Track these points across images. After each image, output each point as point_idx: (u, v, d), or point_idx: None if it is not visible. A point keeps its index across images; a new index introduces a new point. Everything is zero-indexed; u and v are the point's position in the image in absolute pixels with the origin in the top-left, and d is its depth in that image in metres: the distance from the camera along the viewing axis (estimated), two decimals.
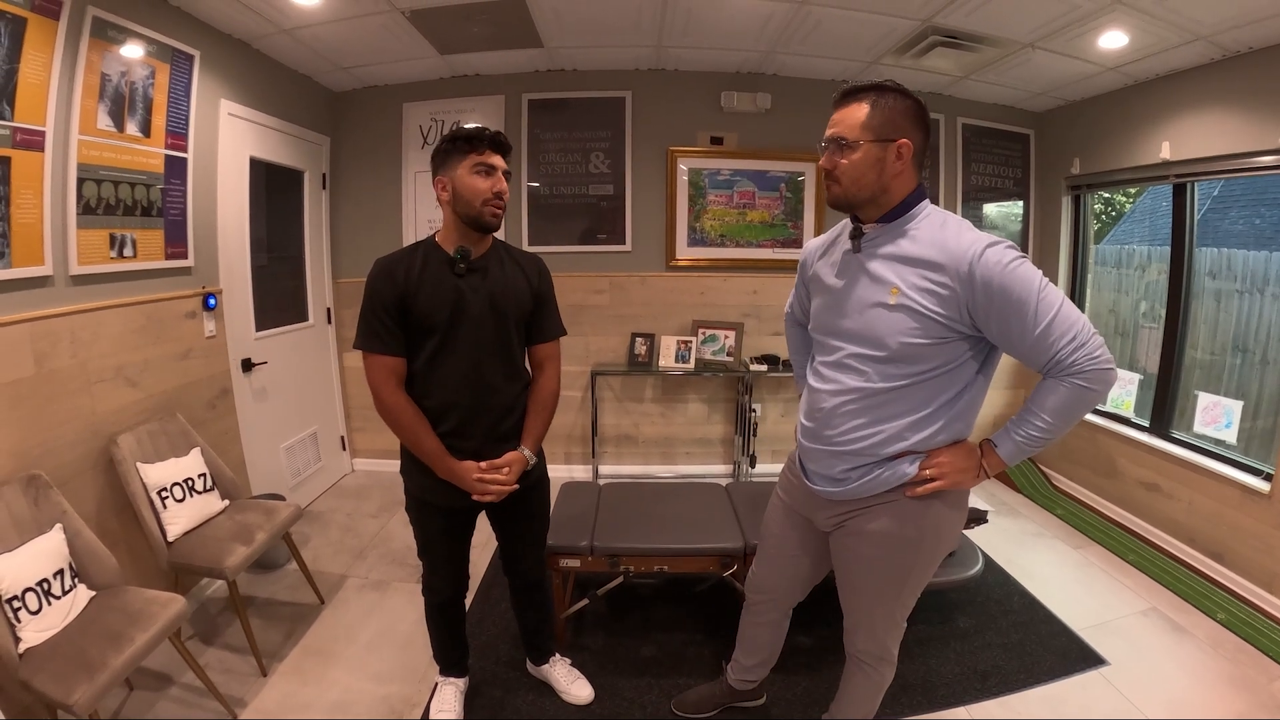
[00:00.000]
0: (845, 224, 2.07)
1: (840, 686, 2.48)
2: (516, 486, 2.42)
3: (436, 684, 2.93)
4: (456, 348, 2.32)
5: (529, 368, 2.60)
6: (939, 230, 1.84)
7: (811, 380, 2.09)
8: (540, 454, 2.62)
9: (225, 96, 4.00)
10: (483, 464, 2.38)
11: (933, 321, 1.79)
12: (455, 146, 2.26)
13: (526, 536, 2.76)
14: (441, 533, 2.58)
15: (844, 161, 1.86)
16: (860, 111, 1.85)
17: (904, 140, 1.84)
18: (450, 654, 2.88)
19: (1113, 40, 3.94)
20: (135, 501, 3.06)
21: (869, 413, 1.92)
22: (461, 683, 2.92)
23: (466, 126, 2.27)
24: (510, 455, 2.43)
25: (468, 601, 2.87)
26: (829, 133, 1.90)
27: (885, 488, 1.96)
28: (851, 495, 2.02)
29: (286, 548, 3.59)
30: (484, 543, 2.74)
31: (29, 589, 2.37)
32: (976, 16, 3.84)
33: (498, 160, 2.27)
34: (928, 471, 1.90)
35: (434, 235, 2.40)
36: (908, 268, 1.83)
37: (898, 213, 1.89)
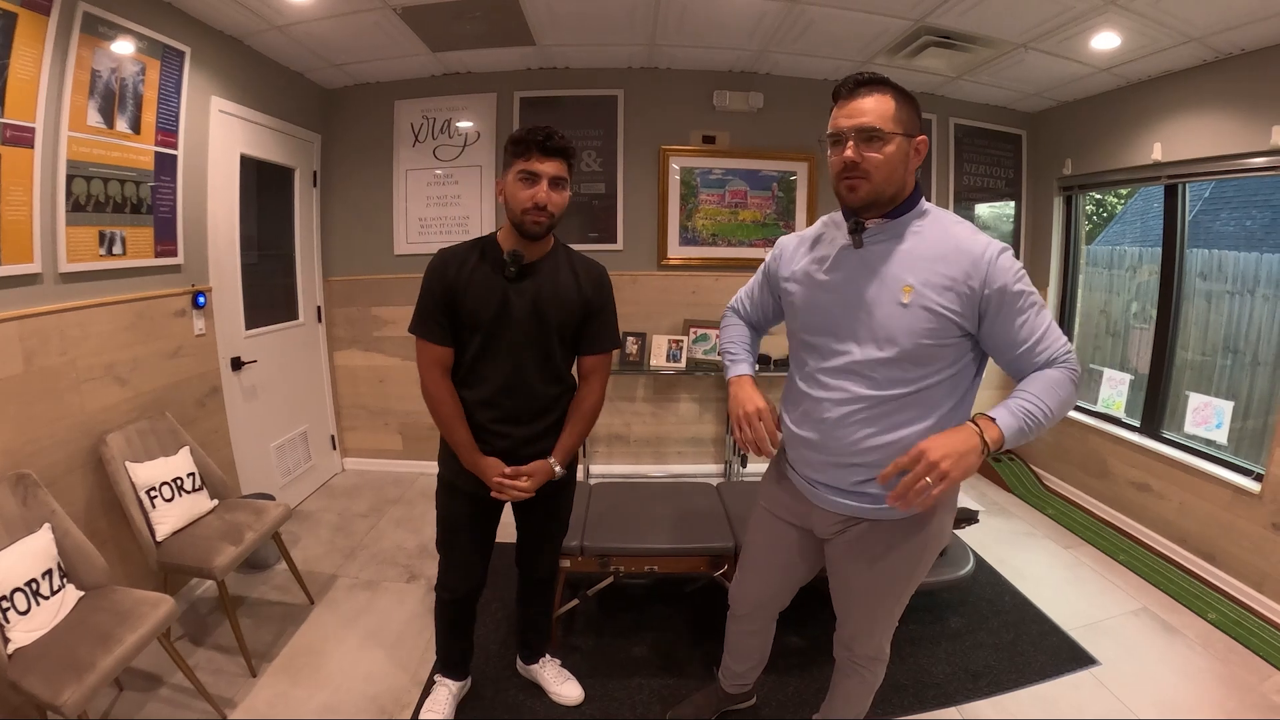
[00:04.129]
0: (828, 221, 2.06)
1: (831, 689, 2.47)
2: (533, 494, 2.43)
3: (434, 682, 2.92)
4: (499, 348, 2.34)
5: (576, 375, 2.60)
6: (952, 227, 1.83)
7: (808, 389, 2.00)
8: (572, 460, 2.63)
9: (216, 93, 3.97)
10: (507, 470, 2.39)
11: (948, 320, 1.76)
12: (509, 149, 2.26)
13: (545, 535, 2.77)
14: (467, 519, 2.58)
15: (877, 155, 1.75)
16: (889, 103, 1.76)
17: (923, 137, 1.82)
18: (453, 654, 2.87)
19: (1105, 41, 3.95)
20: (124, 501, 3.04)
21: (879, 420, 1.86)
22: (457, 685, 2.89)
23: (520, 129, 2.26)
24: (536, 464, 2.43)
25: None
26: (858, 122, 1.76)
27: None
28: (871, 509, 1.96)
29: (276, 547, 3.57)
30: None
31: (17, 589, 2.35)
32: (969, 17, 3.84)
33: (545, 167, 2.21)
34: (932, 476, 1.60)
35: (497, 232, 2.42)
36: (922, 265, 1.79)
37: (901, 210, 1.85)
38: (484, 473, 2.39)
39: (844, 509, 2.01)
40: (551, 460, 2.46)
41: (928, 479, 1.59)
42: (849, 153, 1.76)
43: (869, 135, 1.75)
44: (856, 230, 1.86)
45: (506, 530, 2.72)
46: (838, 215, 2.01)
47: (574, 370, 2.58)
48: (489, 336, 2.33)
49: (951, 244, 1.78)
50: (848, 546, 2.08)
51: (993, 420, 1.68)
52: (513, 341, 2.34)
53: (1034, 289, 1.76)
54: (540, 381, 2.41)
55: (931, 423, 1.84)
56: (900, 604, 2.17)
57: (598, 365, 2.55)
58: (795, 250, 2.12)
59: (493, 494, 2.40)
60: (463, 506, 2.56)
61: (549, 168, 2.22)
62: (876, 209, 1.83)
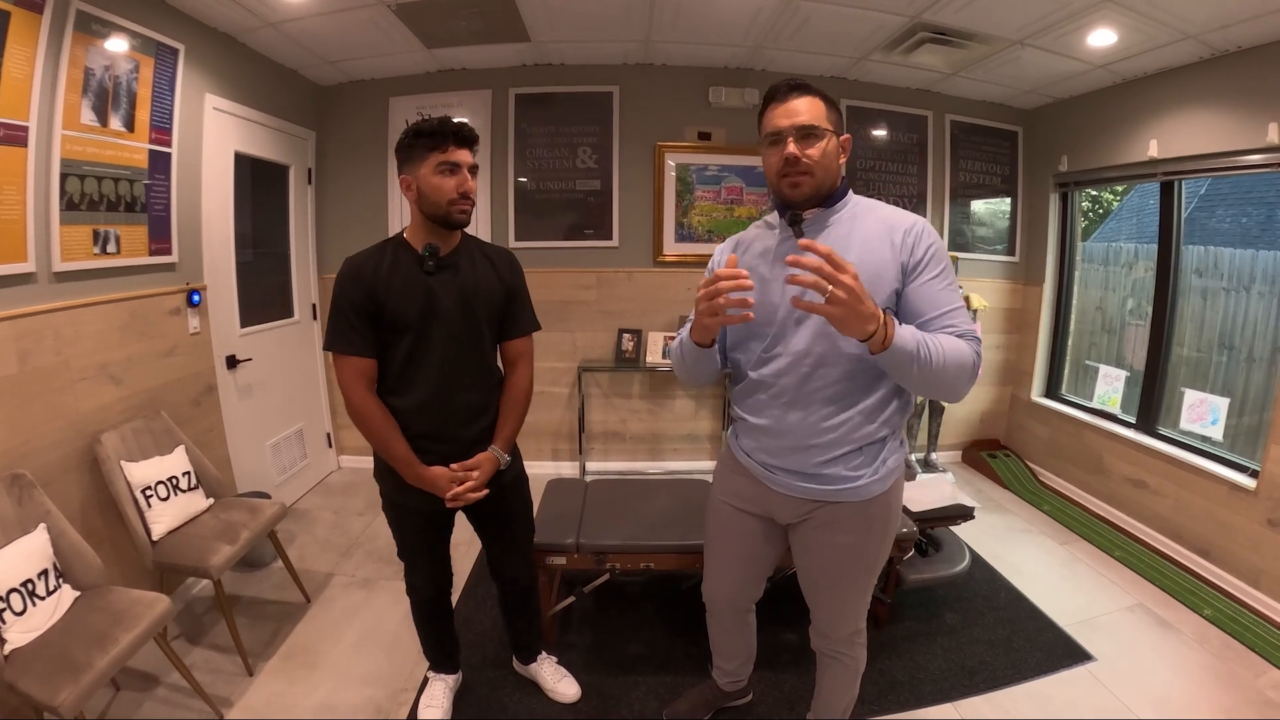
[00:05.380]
0: (759, 224, 2.15)
1: (818, 683, 2.50)
2: (487, 491, 2.40)
3: (427, 679, 2.93)
4: (430, 346, 2.30)
5: (501, 366, 2.57)
6: (879, 208, 1.98)
7: (761, 377, 2.04)
8: (516, 452, 2.61)
9: (210, 90, 3.96)
10: (453, 465, 2.36)
11: (888, 287, 1.86)
12: (418, 143, 2.21)
13: (510, 539, 2.73)
14: (418, 534, 2.57)
15: (815, 152, 1.88)
16: (819, 105, 1.91)
17: (847, 135, 1.98)
18: (439, 651, 2.87)
19: (1102, 38, 3.95)
20: (119, 500, 3.03)
21: (834, 398, 1.94)
22: (451, 679, 2.91)
23: (428, 120, 2.24)
24: (481, 456, 2.40)
25: (454, 598, 2.85)
26: (797, 121, 1.88)
27: (880, 481, 2.01)
28: (832, 491, 2.01)
29: (272, 546, 3.56)
30: (469, 540, 2.74)
31: (13, 590, 2.35)
32: (966, 13, 3.84)
33: (462, 156, 2.22)
34: (835, 284, 1.56)
35: (403, 232, 2.38)
36: (859, 242, 1.89)
37: (834, 200, 1.97)
38: (433, 485, 2.34)
39: (805, 493, 2.06)
40: (494, 449, 2.44)
41: (829, 284, 1.55)
42: (791, 148, 1.87)
43: (807, 133, 1.88)
44: (795, 222, 1.95)
45: None
46: (769, 217, 2.13)
47: (499, 362, 2.57)
48: (419, 335, 2.28)
49: (882, 220, 1.93)
50: (813, 533, 2.12)
51: (896, 324, 1.70)
52: (443, 337, 2.30)
53: (951, 270, 1.92)
54: (473, 376, 2.40)
55: (878, 398, 1.95)
56: (870, 582, 2.22)
57: (523, 349, 2.55)
58: (732, 255, 2.12)
59: (448, 504, 2.35)
60: (411, 522, 2.54)
61: (465, 157, 2.23)
62: (813, 202, 1.95)
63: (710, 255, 2.26)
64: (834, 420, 1.94)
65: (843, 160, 1.97)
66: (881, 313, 1.65)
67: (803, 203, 1.93)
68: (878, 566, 2.19)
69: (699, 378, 2.15)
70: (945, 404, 5.60)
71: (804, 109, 1.88)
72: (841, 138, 1.95)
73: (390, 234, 5.12)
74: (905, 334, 1.69)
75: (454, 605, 2.88)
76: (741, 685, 2.82)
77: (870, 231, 1.91)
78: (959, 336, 1.80)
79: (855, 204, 1.99)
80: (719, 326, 1.85)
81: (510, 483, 2.60)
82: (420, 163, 2.22)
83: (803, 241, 1.61)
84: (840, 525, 2.06)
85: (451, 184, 2.21)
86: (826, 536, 2.10)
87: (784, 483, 2.08)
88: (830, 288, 1.55)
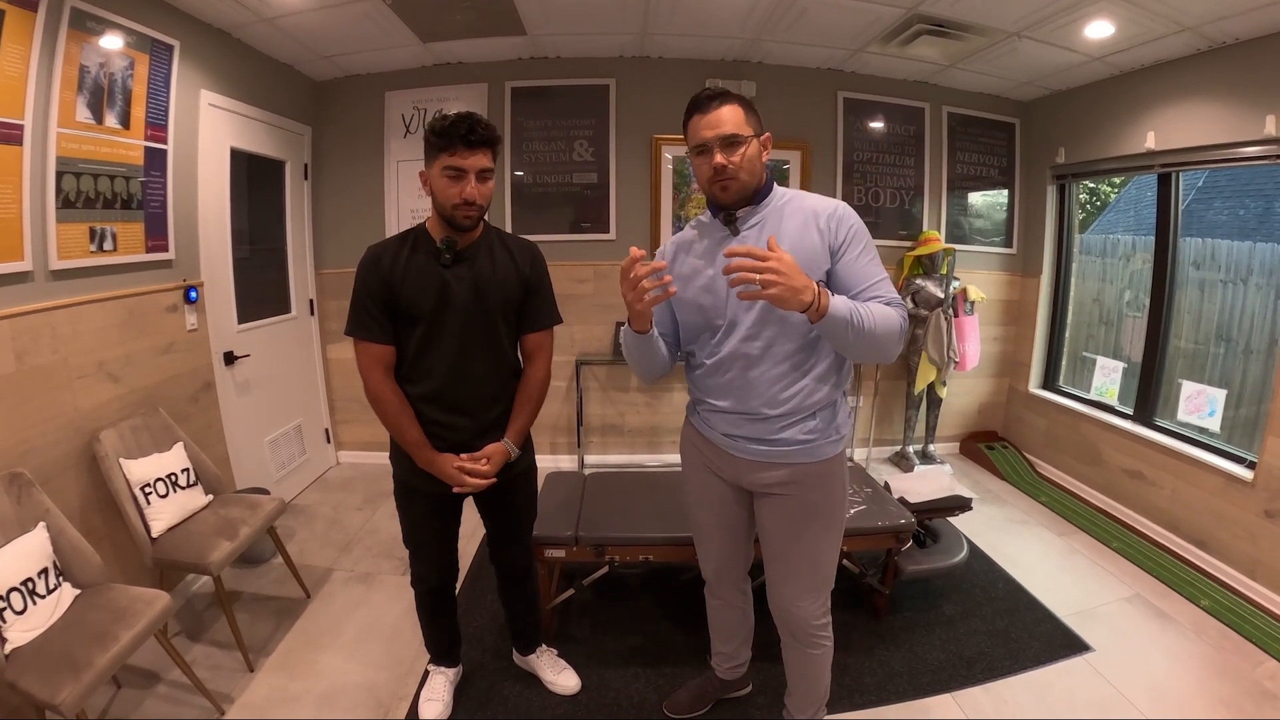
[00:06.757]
0: (695, 225, 2.28)
1: (791, 676, 2.54)
2: (495, 480, 2.42)
3: (427, 672, 2.94)
4: (442, 336, 2.32)
5: (520, 358, 2.57)
6: (805, 198, 2.13)
7: (717, 362, 2.16)
8: (529, 445, 2.62)
9: (205, 87, 3.94)
10: (462, 455, 2.38)
11: (819, 268, 2.02)
12: (431, 141, 2.21)
13: (512, 527, 2.75)
14: (426, 518, 2.57)
15: (738, 158, 2.02)
16: (739, 111, 2.05)
17: (768, 134, 2.13)
18: (440, 643, 2.88)
19: (1099, 30, 3.95)
20: (118, 498, 3.03)
21: (786, 373, 2.08)
22: (452, 672, 2.92)
23: (441, 118, 2.20)
24: (491, 447, 2.42)
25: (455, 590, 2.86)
26: (718, 132, 2.01)
27: (833, 444, 2.18)
28: (789, 452, 2.15)
29: (271, 542, 3.57)
30: (471, 532, 2.74)
31: (13, 589, 2.35)
32: (963, 5, 3.84)
33: (469, 161, 2.18)
34: (765, 274, 1.72)
35: (425, 222, 2.39)
36: (790, 231, 2.04)
37: (762, 196, 2.13)
38: (441, 470, 2.36)
39: (767, 455, 2.18)
40: (505, 441, 2.45)
41: (761, 274, 1.72)
42: (718, 159, 2.02)
43: (730, 141, 2.02)
44: (730, 221, 2.12)
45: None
46: (702, 217, 2.27)
47: (517, 354, 2.57)
48: (431, 325, 2.31)
49: (808, 208, 2.08)
50: (775, 496, 2.23)
51: (830, 294, 1.84)
52: (456, 328, 2.32)
53: (873, 247, 2.08)
54: (486, 367, 2.40)
55: (824, 367, 2.11)
56: (832, 547, 2.31)
57: (542, 342, 2.54)
58: (675, 254, 2.28)
59: (455, 490, 2.37)
60: (421, 506, 2.55)
61: (474, 162, 2.19)
62: (743, 201, 2.10)
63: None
64: (788, 391, 2.09)
65: (765, 157, 2.11)
66: (815, 284, 1.80)
67: (733, 203, 2.09)
68: (838, 527, 2.29)
69: (652, 369, 2.25)
70: (939, 396, 5.60)
71: (726, 118, 2.02)
72: (762, 138, 2.09)
73: (387, 228, 5.18)
74: (839, 302, 1.84)
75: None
76: (741, 673, 2.83)
77: (798, 221, 2.06)
78: (886, 304, 1.96)
79: (780, 196, 2.15)
80: (650, 308, 1.99)
81: (520, 474, 2.62)
82: (433, 162, 2.22)
83: (727, 250, 1.78)
84: (800, 484, 2.18)
85: (455, 190, 2.20)
86: (791, 493, 2.20)
87: (746, 448, 2.20)
88: (759, 276, 1.71)
